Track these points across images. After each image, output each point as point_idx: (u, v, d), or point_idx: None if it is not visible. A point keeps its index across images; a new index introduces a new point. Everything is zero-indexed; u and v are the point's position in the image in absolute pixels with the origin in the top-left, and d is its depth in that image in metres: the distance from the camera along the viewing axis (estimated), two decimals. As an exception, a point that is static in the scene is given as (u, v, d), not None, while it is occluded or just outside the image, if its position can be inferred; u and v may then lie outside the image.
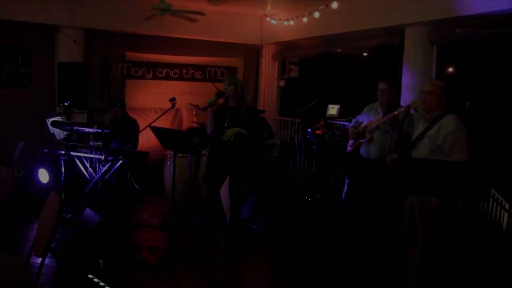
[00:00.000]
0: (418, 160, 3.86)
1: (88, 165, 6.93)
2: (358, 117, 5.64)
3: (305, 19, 8.12)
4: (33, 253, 3.55)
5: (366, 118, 5.45)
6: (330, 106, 8.00)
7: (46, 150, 6.92)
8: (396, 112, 4.94)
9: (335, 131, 7.50)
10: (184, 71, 9.74)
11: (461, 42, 6.46)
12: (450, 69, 7.87)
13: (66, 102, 7.75)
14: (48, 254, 3.52)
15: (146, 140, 8.05)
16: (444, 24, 6.40)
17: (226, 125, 5.29)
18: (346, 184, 6.62)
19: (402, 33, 6.95)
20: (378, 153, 5.20)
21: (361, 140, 5.36)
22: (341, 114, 7.76)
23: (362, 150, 5.42)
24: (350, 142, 5.60)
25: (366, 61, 9.17)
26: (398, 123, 5.00)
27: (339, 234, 6.06)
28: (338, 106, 7.88)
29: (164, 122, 8.85)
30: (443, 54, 6.79)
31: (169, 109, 5.77)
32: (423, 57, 6.73)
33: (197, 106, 8.00)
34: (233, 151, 5.33)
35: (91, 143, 6.83)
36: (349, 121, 6.35)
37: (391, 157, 4.39)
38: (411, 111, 5.04)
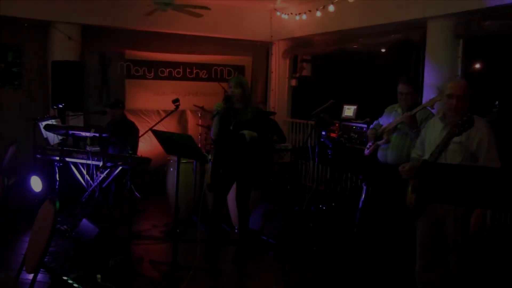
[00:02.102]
0: (446, 165, 3.74)
1: (84, 172, 6.91)
2: (379, 119, 5.62)
3: (318, 13, 8.07)
4: (24, 268, 3.50)
5: (387, 120, 5.43)
6: (345, 107, 7.96)
7: (39, 156, 6.90)
8: (413, 111, 4.90)
9: (352, 134, 7.44)
10: (188, 70, 9.73)
11: (489, 36, 6.39)
12: (477, 65, 7.79)
13: (61, 104, 7.73)
14: (41, 270, 3.46)
15: (148, 144, 8.07)
16: (471, 16, 6.32)
17: (232, 128, 5.26)
18: (363, 192, 6.57)
19: (424, 27, 6.88)
20: (395, 157, 5.19)
21: (379, 142, 5.35)
22: (358, 115, 7.71)
23: (379, 154, 5.42)
24: (368, 144, 5.59)
25: (384, 58, 9.11)
26: (417, 124, 4.95)
27: (356, 245, 6.01)
28: (355, 107, 7.84)
29: (168, 125, 8.86)
30: (470, 49, 6.72)
31: (172, 111, 5.74)
32: (448, 53, 6.67)
33: (202, 108, 7.98)
34: (240, 156, 5.32)
35: (88, 148, 6.80)
36: (367, 123, 6.32)
37: (403, 167, 4.22)
38: (428, 110, 5.01)
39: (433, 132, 4.15)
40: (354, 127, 7.45)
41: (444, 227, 4.05)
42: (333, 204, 7.43)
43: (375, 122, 5.68)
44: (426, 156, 4.04)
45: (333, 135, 7.76)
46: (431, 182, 3.35)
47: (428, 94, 6.60)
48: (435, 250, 4.16)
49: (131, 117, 7.94)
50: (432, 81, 6.71)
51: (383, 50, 8.87)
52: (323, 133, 7.63)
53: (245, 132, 5.23)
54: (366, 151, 5.60)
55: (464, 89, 3.98)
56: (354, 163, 7.18)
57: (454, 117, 3.96)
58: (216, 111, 5.26)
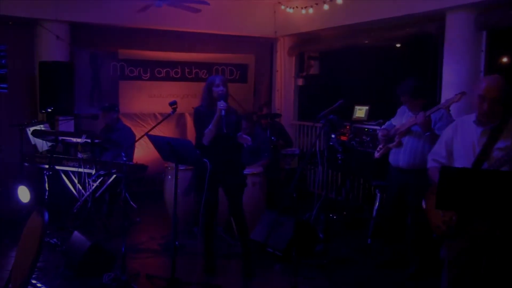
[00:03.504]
0: (472, 171, 3.63)
1: (76, 181, 6.93)
2: (392, 119, 5.62)
3: (326, 7, 8.08)
4: (10, 286, 3.51)
5: (399, 121, 5.44)
6: (357, 107, 7.96)
7: (26, 164, 6.93)
8: (427, 112, 4.93)
9: (364, 137, 7.43)
10: (186, 70, 9.74)
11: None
12: (504, 59, 7.75)
13: (50, 108, 7.76)
14: (28, 287, 3.46)
15: (144, 151, 8.08)
16: (495, 5, 6.31)
17: (225, 130, 5.25)
18: (377, 199, 6.57)
19: (442, 19, 6.87)
20: (408, 161, 5.23)
21: (390, 145, 5.36)
22: (370, 116, 7.70)
23: (391, 157, 5.46)
24: (379, 146, 5.60)
25: (398, 54, 9.10)
26: (431, 126, 4.98)
27: (370, 258, 5.98)
28: (367, 107, 7.83)
29: (165, 130, 8.87)
30: (494, 42, 6.70)
31: (169, 115, 5.74)
32: (469, 47, 6.65)
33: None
34: (233, 159, 5.46)
35: (80, 155, 6.82)
36: (380, 124, 6.31)
37: None
38: (443, 111, 5.02)
39: (466, 138, 3.92)
40: (366, 130, 7.43)
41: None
42: (344, 213, 7.44)
43: (387, 123, 5.70)
44: (459, 166, 3.86)
45: (343, 138, 7.76)
46: (453, 189, 3.30)
47: (446, 93, 6.58)
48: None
49: (126, 121, 7.96)
50: (451, 78, 6.69)
51: (397, 45, 8.88)
52: (333, 136, 7.60)
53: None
54: (376, 154, 5.64)
55: (499, 90, 3.74)
56: (366, 169, 7.18)
57: (486, 122, 3.81)
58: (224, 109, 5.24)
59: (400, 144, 5.28)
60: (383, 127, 5.73)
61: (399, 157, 5.31)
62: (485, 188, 3.23)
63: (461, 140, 3.95)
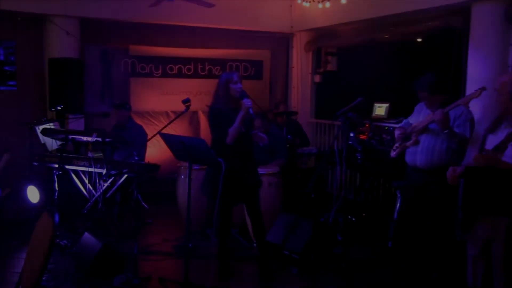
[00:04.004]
0: (497, 171, 3.62)
1: (86, 181, 6.95)
2: (409, 117, 5.64)
3: (344, 0, 8.03)
4: (20, 288, 3.52)
5: (417, 118, 5.43)
6: (376, 105, 7.92)
7: (35, 164, 6.96)
8: (446, 108, 4.91)
9: (383, 136, 7.40)
10: (199, 66, 9.75)
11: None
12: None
13: (59, 106, 7.78)
14: (39, 290, 3.47)
15: (156, 150, 8.09)
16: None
17: (243, 129, 5.27)
18: (398, 201, 6.51)
19: (467, 12, 6.80)
20: (425, 161, 5.21)
21: (407, 143, 5.34)
22: (391, 114, 7.67)
23: (408, 157, 5.45)
24: (395, 145, 5.61)
25: (420, 49, 9.03)
26: (449, 123, 4.97)
27: (390, 262, 5.95)
28: (387, 105, 7.80)
29: (178, 128, 8.88)
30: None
31: (182, 113, 5.75)
32: (496, 40, 6.56)
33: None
34: (253, 160, 5.51)
35: (90, 154, 6.85)
36: (401, 123, 6.28)
37: (454, 171, 4.14)
38: (462, 108, 4.97)
39: (495, 136, 4.04)
40: (386, 128, 7.40)
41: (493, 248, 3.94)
42: (364, 214, 7.40)
43: (404, 121, 5.69)
44: None
45: (362, 137, 7.73)
46: (477, 190, 3.28)
47: (471, 89, 6.48)
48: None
49: (137, 120, 7.97)
50: (477, 74, 6.62)
51: (419, 40, 8.81)
52: (352, 134, 7.58)
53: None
54: (393, 153, 5.64)
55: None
56: (386, 168, 7.13)
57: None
58: (251, 108, 5.21)
59: (417, 143, 5.26)
60: (399, 125, 5.73)
61: (416, 157, 5.29)
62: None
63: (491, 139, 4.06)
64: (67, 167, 6.79)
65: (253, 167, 5.56)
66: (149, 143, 7.05)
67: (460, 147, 5.05)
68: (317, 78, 10.48)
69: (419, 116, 5.40)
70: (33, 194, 6.99)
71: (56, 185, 6.58)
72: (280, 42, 10.40)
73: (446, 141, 4.98)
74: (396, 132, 5.56)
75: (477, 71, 6.64)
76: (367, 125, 7.75)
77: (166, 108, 9.40)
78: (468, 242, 4.17)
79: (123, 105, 7.43)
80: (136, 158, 6.30)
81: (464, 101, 4.91)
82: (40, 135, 7.14)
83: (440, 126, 4.97)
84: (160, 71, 9.44)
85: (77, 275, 5.37)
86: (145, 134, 7.38)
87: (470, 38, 6.79)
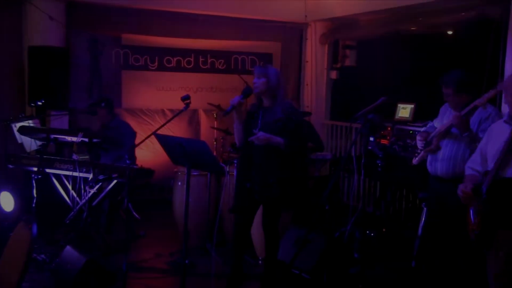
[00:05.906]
0: None
1: (70, 187, 6.95)
2: (434, 120, 5.69)
3: (365, -13, 8.04)
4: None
5: (441, 120, 5.50)
6: (400, 106, 7.91)
7: (11, 166, 6.95)
8: (462, 111, 4.93)
9: (408, 141, 7.38)
10: (201, 59, 9.81)
11: None
12: None
13: (40, 101, 7.80)
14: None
15: (150, 152, 8.09)
16: None
17: (257, 131, 5.23)
18: (423, 214, 6.48)
19: (506, 1, 6.77)
20: (447, 169, 5.20)
21: (427, 149, 5.39)
22: (416, 117, 7.65)
23: (429, 164, 5.45)
24: (417, 151, 5.63)
25: (452, 42, 9.01)
26: (469, 126, 4.96)
27: (414, 284, 5.93)
28: (412, 106, 7.79)
29: (175, 129, 8.90)
30: None
31: (181, 111, 5.71)
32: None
33: (218, 107, 7.97)
34: (265, 169, 5.31)
35: (75, 156, 6.84)
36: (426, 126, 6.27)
37: (466, 187, 4.13)
38: (490, 109, 4.97)
39: (497, 140, 4.07)
40: (411, 132, 7.38)
41: None
42: (384, 230, 7.38)
43: (429, 124, 5.72)
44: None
45: (384, 141, 7.72)
46: (501, 202, 3.30)
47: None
48: None
49: (129, 118, 7.98)
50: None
51: (449, 33, 8.79)
52: (372, 139, 7.59)
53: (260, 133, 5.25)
54: (414, 160, 5.66)
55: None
56: (410, 178, 7.10)
57: None
58: (232, 106, 5.20)
59: (438, 148, 5.21)
60: (423, 129, 5.75)
61: (437, 164, 5.26)
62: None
63: (493, 142, 4.14)
64: (48, 170, 6.77)
65: (264, 177, 5.39)
66: (142, 145, 7.00)
67: None
68: (334, 75, 10.51)
69: (443, 119, 5.39)
70: (7, 201, 6.93)
71: (35, 191, 6.54)
72: (292, 33, 10.43)
73: (468, 146, 4.95)
74: (418, 137, 5.54)
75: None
76: (389, 129, 7.73)
77: (162, 106, 9.45)
78: (487, 259, 4.17)
79: (98, 104, 7.35)
80: (128, 161, 6.27)
81: (481, 102, 4.86)
82: (17, 133, 7.14)
83: (458, 129, 4.96)
84: (156, 63, 9.48)
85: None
86: (133, 133, 7.36)
87: (509, 31, 6.78)
